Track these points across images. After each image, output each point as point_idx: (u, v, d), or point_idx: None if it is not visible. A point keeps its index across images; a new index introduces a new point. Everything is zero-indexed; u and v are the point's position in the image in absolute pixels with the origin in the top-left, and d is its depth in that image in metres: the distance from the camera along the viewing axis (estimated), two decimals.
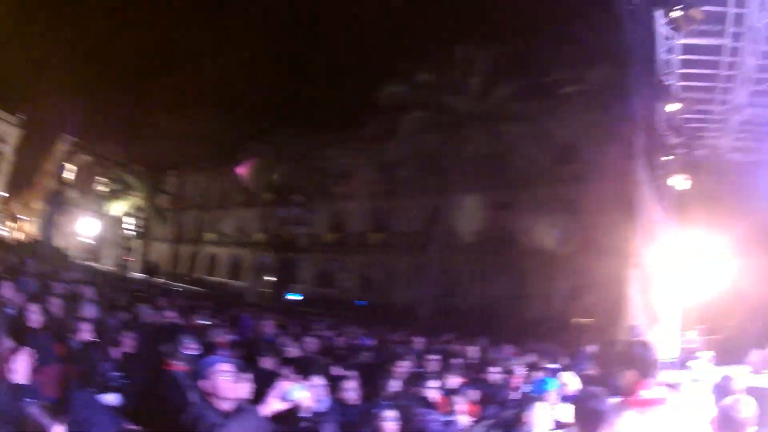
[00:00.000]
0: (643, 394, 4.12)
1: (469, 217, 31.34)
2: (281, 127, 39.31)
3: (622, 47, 14.69)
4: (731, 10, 12.48)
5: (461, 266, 32.54)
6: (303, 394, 4.68)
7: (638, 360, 4.25)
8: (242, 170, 37.04)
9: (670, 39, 13.36)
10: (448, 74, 29.07)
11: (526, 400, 6.92)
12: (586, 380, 9.79)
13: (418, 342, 14.16)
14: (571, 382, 8.78)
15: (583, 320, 27.98)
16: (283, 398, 4.42)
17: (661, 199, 16.65)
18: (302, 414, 5.59)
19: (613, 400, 4.26)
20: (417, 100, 28.75)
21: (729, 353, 15.85)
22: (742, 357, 14.45)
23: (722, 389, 4.59)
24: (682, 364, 12.89)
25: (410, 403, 6.95)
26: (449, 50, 29.10)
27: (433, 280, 30.34)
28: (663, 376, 6.41)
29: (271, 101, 38.91)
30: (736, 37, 13.18)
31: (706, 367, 9.67)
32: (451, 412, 7.34)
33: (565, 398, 7.63)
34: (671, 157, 16.32)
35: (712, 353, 14.21)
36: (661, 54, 13.75)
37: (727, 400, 3.99)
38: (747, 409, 3.87)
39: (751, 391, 6.18)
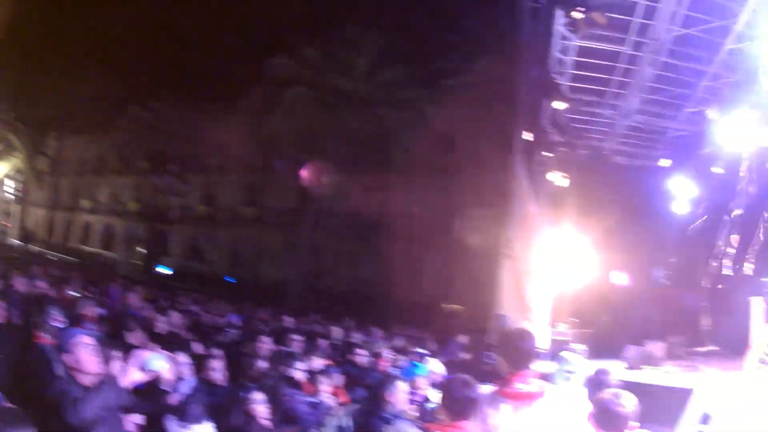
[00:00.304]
0: (520, 385, 3.99)
1: (344, 198, 31.36)
2: (163, 93, 37.91)
3: (517, 41, 14.78)
4: (637, 20, 12.61)
5: (332, 247, 32.42)
6: (162, 364, 4.62)
7: (515, 350, 4.08)
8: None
9: (567, 39, 13.54)
10: (335, 53, 28.57)
11: (388, 380, 6.84)
12: (457, 368, 9.83)
13: (286, 321, 14.06)
14: (438, 368, 8.75)
15: (453, 307, 28.61)
16: (142, 368, 4.33)
17: (538, 193, 17.05)
18: (164, 387, 5.60)
19: (486, 389, 4.12)
20: (301, 75, 28.19)
21: (602, 348, 16.49)
22: (617, 352, 15.03)
23: (596, 383, 4.49)
24: (553, 356, 13.19)
25: (276, 384, 6.93)
26: (340, 29, 28.66)
27: (303, 259, 30.05)
28: (535, 367, 6.39)
29: (156, 66, 37.29)
30: (638, 46, 13.36)
31: (578, 360, 9.84)
32: (317, 394, 7.21)
33: (434, 384, 7.56)
34: (552, 154, 16.72)
35: (584, 346, 14.68)
36: (555, 52, 13.92)
37: (606, 394, 3.80)
38: (628, 403, 3.71)
39: (627, 386, 6.18)
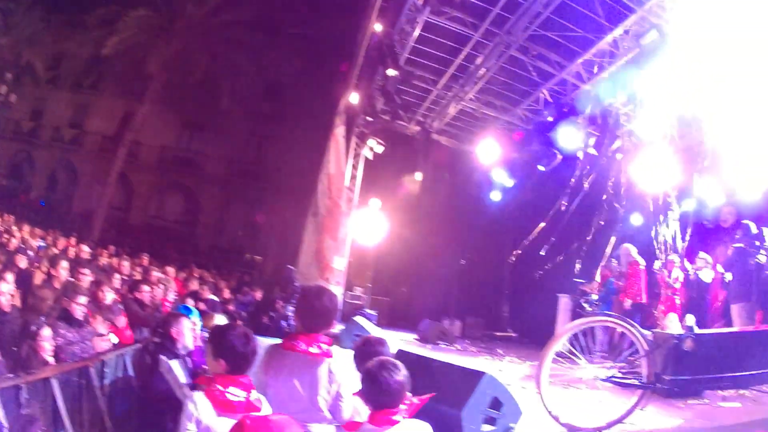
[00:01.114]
0: (304, 345, 3.73)
1: (161, 131, 30.07)
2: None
3: (367, 2, 14.38)
4: (496, 10, 12.01)
5: (143, 181, 30.93)
6: None
7: (311, 309, 3.86)
8: None
9: (417, 11, 13.30)
10: None
11: (174, 317, 6.57)
12: (244, 320, 9.62)
13: (84, 252, 13.50)
14: (221, 320, 8.54)
15: (254, 257, 28.42)
16: None
17: (354, 156, 17.12)
18: None
19: (266, 343, 3.96)
20: None
21: (397, 317, 16.86)
22: (412, 323, 15.40)
23: (365, 353, 4.12)
24: (344, 319, 13.26)
25: (57, 317, 6.61)
26: None
27: (111, 189, 28.51)
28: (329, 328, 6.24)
29: None
30: (489, 35, 12.83)
31: (370, 326, 9.83)
32: (97, 329, 6.85)
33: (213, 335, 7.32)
34: (372, 120, 16.77)
35: (374, 312, 14.93)
36: (402, 23, 13.66)
37: (374, 363, 3.44)
38: (398, 374, 3.38)
39: (416, 360, 5.90)
